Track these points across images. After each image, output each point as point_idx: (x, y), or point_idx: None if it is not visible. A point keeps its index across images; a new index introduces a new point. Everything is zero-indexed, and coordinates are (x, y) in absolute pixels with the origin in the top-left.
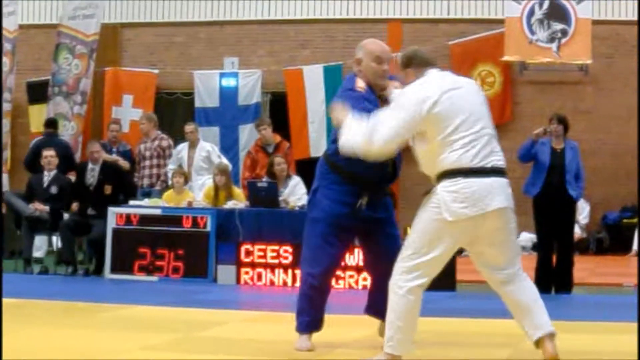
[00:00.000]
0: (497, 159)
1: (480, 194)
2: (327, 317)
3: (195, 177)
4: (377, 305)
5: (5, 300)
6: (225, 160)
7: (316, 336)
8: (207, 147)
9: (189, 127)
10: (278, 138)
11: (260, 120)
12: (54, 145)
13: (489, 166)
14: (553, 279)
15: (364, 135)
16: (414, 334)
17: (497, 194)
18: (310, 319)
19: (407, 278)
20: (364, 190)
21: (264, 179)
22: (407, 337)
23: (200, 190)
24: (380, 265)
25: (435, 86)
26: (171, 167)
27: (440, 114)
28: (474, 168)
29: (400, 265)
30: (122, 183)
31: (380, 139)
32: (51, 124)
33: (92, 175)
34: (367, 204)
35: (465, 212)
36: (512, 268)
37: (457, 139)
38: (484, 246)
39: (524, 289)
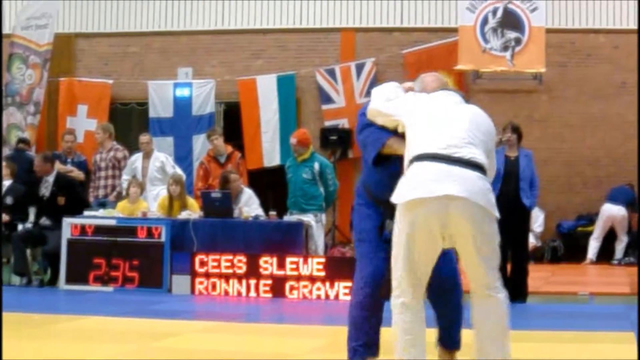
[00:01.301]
0: (470, 153)
1: (433, 178)
2: (280, 327)
3: (150, 187)
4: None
5: None
6: (179, 171)
7: (270, 346)
8: (161, 157)
9: (144, 138)
10: (230, 148)
11: (211, 131)
12: (23, 160)
13: (456, 156)
14: (508, 288)
15: None
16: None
17: (454, 181)
18: (355, 344)
19: (393, 296)
20: (387, 213)
21: (218, 190)
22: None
23: (154, 201)
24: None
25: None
26: (125, 177)
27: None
28: (435, 154)
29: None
30: (74, 196)
31: None
32: (23, 141)
33: (46, 187)
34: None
35: (413, 194)
36: (481, 287)
37: (426, 139)
38: (458, 247)
39: (485, 318)
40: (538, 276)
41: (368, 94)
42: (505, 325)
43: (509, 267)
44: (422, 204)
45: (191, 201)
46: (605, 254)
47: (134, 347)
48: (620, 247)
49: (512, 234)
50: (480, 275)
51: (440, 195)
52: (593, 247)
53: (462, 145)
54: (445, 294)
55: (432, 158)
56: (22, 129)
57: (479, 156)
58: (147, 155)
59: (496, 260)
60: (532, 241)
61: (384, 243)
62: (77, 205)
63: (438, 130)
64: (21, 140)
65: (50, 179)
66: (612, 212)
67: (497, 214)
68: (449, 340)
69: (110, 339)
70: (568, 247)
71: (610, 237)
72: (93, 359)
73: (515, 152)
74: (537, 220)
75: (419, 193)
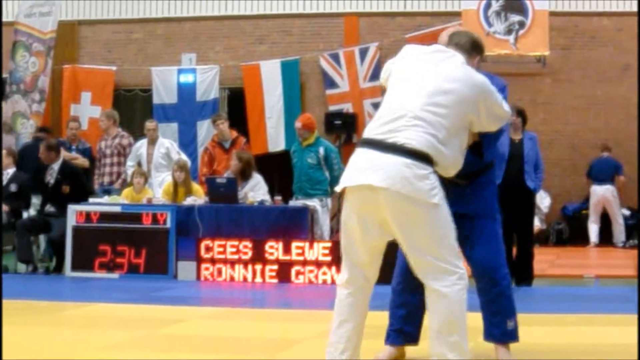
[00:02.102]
0: (406, 137)
1: (361, 166)
2: (286, 313)
3: (155, 173)
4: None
5: None
6: (184, 157)
7: (276, 331)
8: (166, 143)
9: (150, 124)
10: (234, 134)
11: (217, 116)
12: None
13: (389, 142)
14: (514, 271)
15: None
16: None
17: (377, 170)
18: (389, 329)
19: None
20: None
21: (226, 175)
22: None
23: (159, 187)
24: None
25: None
26: (130, 163)
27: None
28: (371, 139)
29: None
30: (77, 184)
31: None
32: (43, 130)
33: (51, 174)
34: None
35: (344, 182)
36: (424, 278)
37: (380, 112)
38: (397, 237)
39: (437, 307)
40: (543, 259)
41: (372, 78)
42: (455, 321)
43: (514, 250)
44: (351, 193)
45: (196, 187)
46: (609, 236)
47: (141, 333)
48: (618, 229)
49: (516, 217)
50: (416, 265)
51: (364, 184)
52: (593, 230)
53: (402, 128)
54: (482, 282)
55: (367, 144)
56: (27, 117)
57: (418, 139)
58: (152, 142)
59: (439, 250)
60: (537, 224)
61: None
62: (82, 194)
63: (390, 105)
64: (41, 129)
65: (56, 166)
66: (599, 193)
67: (433, 200)
68: (491, 333)
69: (116, 326)
70: (573, 229)
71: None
72: (100, 346)
73: (519, 135)
74: (543, 203)
75: (347, 182)
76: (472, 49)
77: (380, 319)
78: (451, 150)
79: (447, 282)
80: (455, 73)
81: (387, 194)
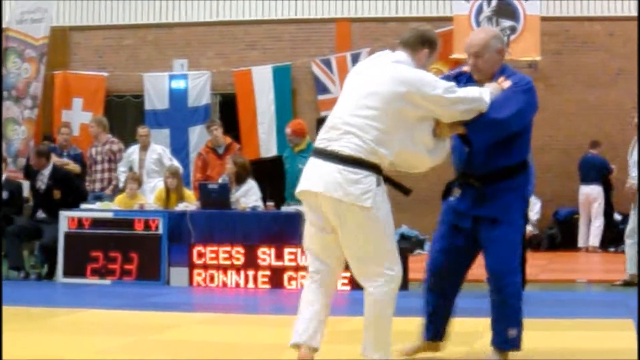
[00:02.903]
0: (340, 145)
1: (307, 174)
2: (279, 318)
3: (147, 179)
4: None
5: None
6: (176, 163)
7: (269, 336)
8: (158, 149)
9: (142, 130)
10: (228, 139)
11: (211, 121)
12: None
13: (328, 150)
14: None
15: None
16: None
17: (317, 177)
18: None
19: None
20: (456, 180)
21: (221, 179)
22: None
23: (151, 193)
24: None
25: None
26: (122, 169)
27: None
28: (316, 148)
29: None
30: (70, 188)
31: None
32: (47, 138)
33: (41, 180)
34: (460, 197)
35: (297, 188)
36: (356, 276)
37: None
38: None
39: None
40: (536, 264)
41: None
42: (379, 322)
43: None
44: (302, 197)
45: (188, 193)
46: (604, 240)
47: (133, 339)
48: (593, 231)
49: None
50: (350, 265)
51: (308, 190)
52: (582, 232)
53: (337, 137)
54: (489, 288)
55: (315, 153)
56: (19, 123)
57: (349, 145)
58: (144, 148)
59: (370, 252)
60: (529, 229)
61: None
62: (75, 197)
63: (332, 115)
64: (45, 137)
65: (46, 172)
66: (586, 192)
67: (365, 204)
68: (493, 339)
69: (108, 332)
70: (565, 234)
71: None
72: (92, 352)
73: None
74: (534, 208)
75: (298, 187)
76: (417, 43)
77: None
78: (399, 146)
79: (375, 284)
80: (381, 73)
81: (324, 198)
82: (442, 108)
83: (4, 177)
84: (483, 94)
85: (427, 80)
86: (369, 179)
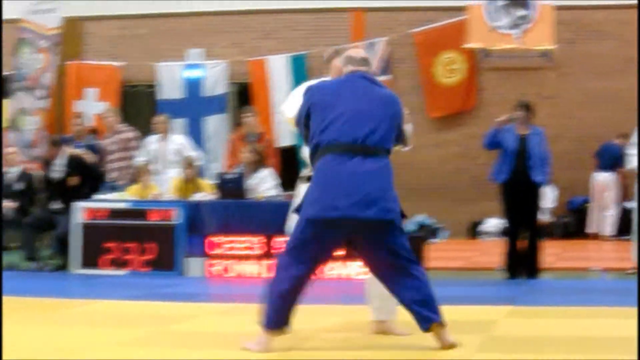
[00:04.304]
0: None
1: None
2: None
3: (166, 169)
4: None
5: None
6: (196, 153)
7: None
8: (179, 140)
9: (159, 118)
10: (261, 128)
11: (245, 109)
12: (94, 150)
13: None
14: (521, 264)
15: None
16: None
17: None
18: None
19: None
20: None
21: (238, 169)
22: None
23: (169, 183)
24: None
25: None
26: (140, 159)
27: None
28: None
29: None
30: (88, 173)
31: None
32: (94, 132)
33: (56, 170)
34: None
35: None
36: None
37: None
38: None
39: None
40: (550, 252)
41: (382, 72)
42: None
43: (519, 244)
44: None
45: (205, 183)
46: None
47: (149, 330)
48: (609, 220)
49: (524, 211)
50: None
51: None
52: (593, 219)
53: None
54: None
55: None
56: (31, 114)
57: None
58: (164, 137)
59: None
60: (544, 217)
61: None
62: (94, 182)
63: None
64: (91, 131)
65: (61, 161)
66: (598, 180)
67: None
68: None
69: (124, 323)
70: (579, 223)
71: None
72: (108, 343)
73: (526, 130)
74: (549, 196)
75: None
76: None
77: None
78: None
79: None
80: None
81: None
82: None
83: (20, 168)
84: None
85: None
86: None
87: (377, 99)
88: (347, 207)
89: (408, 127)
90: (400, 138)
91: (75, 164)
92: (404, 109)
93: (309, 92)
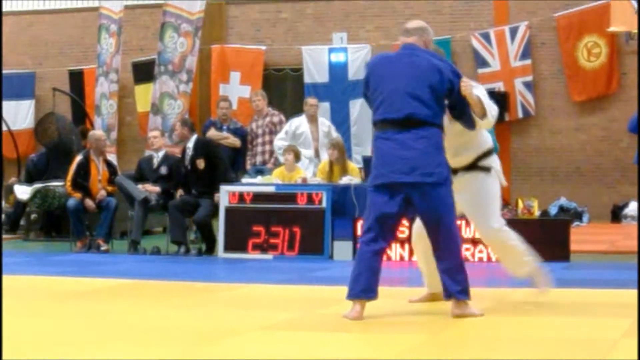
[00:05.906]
0: None
1: None
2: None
3: (321, 152)
4: None
5: (119, 281)
6: (338, 135)
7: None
8: (327, 122)
9: (312, 100)
10: None
11: None
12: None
13: None
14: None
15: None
16: None
17: None
18: None
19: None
20: None
21: None
22: None
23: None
24: None
25: None
26: (284, 143)
27: None
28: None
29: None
30: (215, 157)
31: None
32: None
33: (188, 152)
34: None
35: None
36: None
37: None
38: None
39: None
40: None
41: (523, 57)
42: None
43: None
44: None
45: (352, 166)
46: None
47: (300, 313)
48: None
49: None
50: None
51: None
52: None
53: None
54: None
55: None
56: (174, 97)
57: None
58: (313, 120)
59: None
60: None
61: None
62: (221, 169)
63: None
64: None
65: (190, 144)
66: None
67: None
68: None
69: (273, 307)
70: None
71: None
72: (260, 326)
73: None
74: None
75: None
76: None
77: None
78: None
79: None
80: None
81: None
82: None
83: (164, 151)
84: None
85: None
86: None
87: (419, 72)
88: (390, 173)
89: (477, 93)
90: (457, 106)
91: (200, 146)
92: (466, 80)
93: (367, 67)
